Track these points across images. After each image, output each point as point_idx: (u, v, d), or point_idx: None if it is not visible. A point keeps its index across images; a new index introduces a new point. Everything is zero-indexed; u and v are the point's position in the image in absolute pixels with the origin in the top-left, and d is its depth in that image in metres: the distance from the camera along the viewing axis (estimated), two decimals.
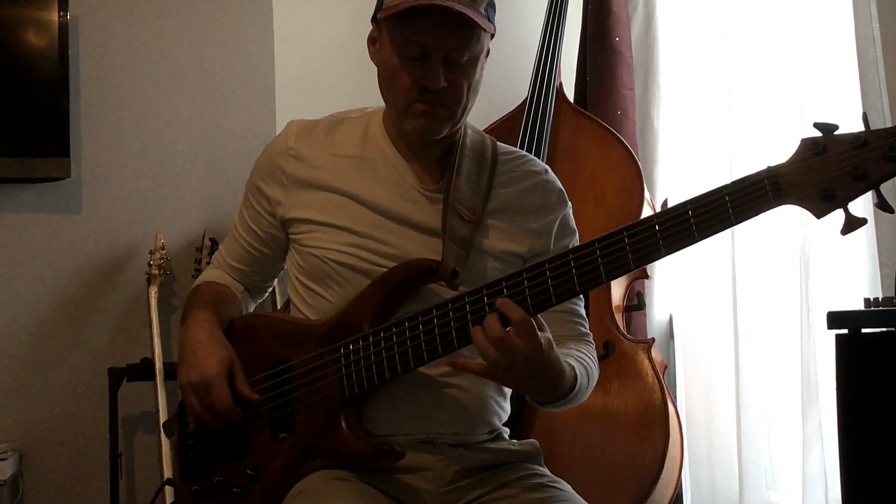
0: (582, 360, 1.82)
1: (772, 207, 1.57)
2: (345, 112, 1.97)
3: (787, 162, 1.56)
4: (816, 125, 1.56)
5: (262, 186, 1.92)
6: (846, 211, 1.55)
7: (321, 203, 1.86)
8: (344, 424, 1.76)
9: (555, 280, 1.65)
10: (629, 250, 1.62)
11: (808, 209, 1.56)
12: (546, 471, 1.90)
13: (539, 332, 1.62)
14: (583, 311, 1.94)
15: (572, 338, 1.90)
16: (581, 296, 1.92)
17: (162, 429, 2.82)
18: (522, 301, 1.66)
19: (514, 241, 1.86)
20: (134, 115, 3.41)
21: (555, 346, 1.67)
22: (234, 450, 1.85)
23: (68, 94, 3.26)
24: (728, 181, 1.61)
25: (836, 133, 1.55)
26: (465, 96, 1.79)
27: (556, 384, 1.70)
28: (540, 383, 1.69)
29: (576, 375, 1.74)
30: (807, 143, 1.56)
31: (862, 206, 1.61)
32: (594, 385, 1.87)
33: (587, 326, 1.94)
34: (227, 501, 1.85)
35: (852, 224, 1.54)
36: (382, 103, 1.87)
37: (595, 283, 1.65)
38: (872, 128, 1.54)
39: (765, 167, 1.57)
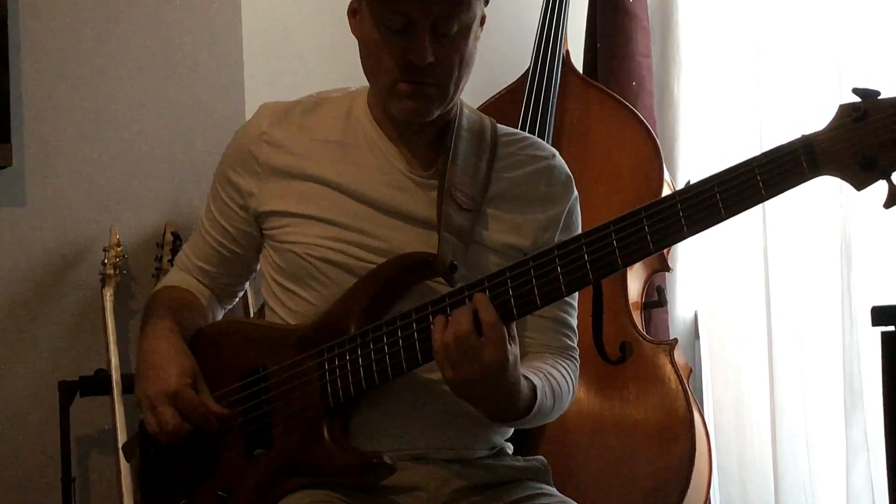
0: (552, 378, 1.85)
1: (807, 180, 1.62)
2: (324, 92, 1.99)
3: (823, 129, 1.62)
4: (856, 91, 1.61)
5: (233, 176, 1.95)
6: (889, 181, 1.59)
7: (299, 193, 1.88)
8: (327, 436, 1.78)
9: (565, 267, 1.69)
10: (648, 232, 1.66)
11: (847, 181, 1.61)
12: (554, 490, 1.93)
13: (508, 346, 1.66)
14: (573, 322, 1.97)
15: (554, 350, 1.93)
16: (575, 305, 1.97)
17: (121, 451, 2.85)
18: (529, 293, 1.69)
19: (517, 234, 1.89)
20: (84, 94, 3.41)
21: (519, 364, 1.70)
22: (203, 469, 1.88)
23: (8, 69, 3.26)
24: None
25: (877, 98, 1.60)
26: (456, 71, 1.81)
27: (509, 405, 1.74)
28: (493, 400, 1.72)
29: (534, 397, 1.77)
30: (845, 109, 1.61)
31: None
32: (565, 406, 1.91)
33: (575, 339, 1.97)
34: None
35: None
36: (366, 82, 1.89)
37: (609, 271, 1.69)
38: None
39: (799, 135, 1.62)
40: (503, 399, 1.72)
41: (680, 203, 1.65)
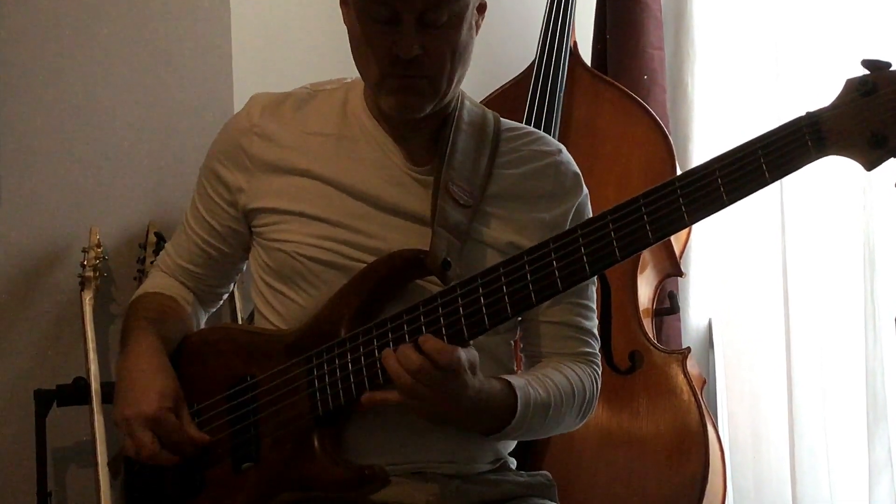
0: (547, 379, 1.85)
1: (813, 160, 1.62)
2: (319, 83, 1.99)
3: (829, 106, 1.61)
4: (865, 62, 1.60)
5: (221, 171, 1.95)
6: None
7: (291, 189, 1.88)
8: (318, 447, 1.79)
9: (561, 262, 1.70)
10: (647, 220, 1.66)
11: (855, 160, 1.61)
12: None
13: (461, 362, 1.67)
14: (589, 325, 1.97)
15: (569, 356, 1.93)
16: (592, 307, 1.97)
17: (103, 461, 2.85)
18: (524, 288, 1.70)
19: (520, 233, 1.88)
20: (64, 87, 3.40)
21: (477, 369, 1.71)
22: (190, 486, 1.88)
23: None
24: None
25: (888, 70, 1.59)
26: (448, 64, 1.80)
27: (485, 409, 1.75)
28: (466, 413, 1.73)
29: (514, 398, 1.77)
30: (852, 84, 1.60)
31: None
32: (576, 409, 1.90)
33: (595, 345, 1.97)
34: None
35: None
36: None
37: (607, 263, 1.70)
38: None
39: (804, 113, 1.61)
40: (473, 405, 1.72)
41: (680, 189, 1.65)
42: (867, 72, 1.59)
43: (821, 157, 1.61)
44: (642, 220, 1.66)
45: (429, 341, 1.68)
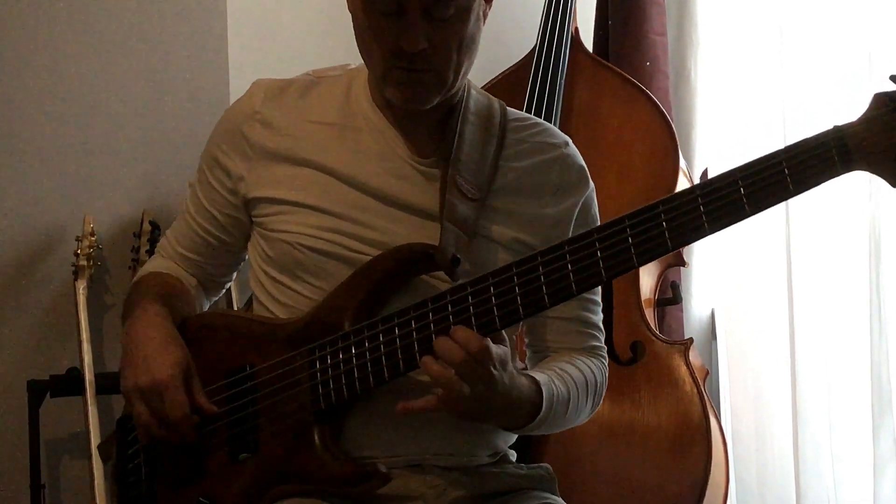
0: (564, 372, 1.86)
1: (838, 175, 1.63)
2: (322, 70, 1.98)
3: (857, 121, 1.62)
4: (893, 78, 1.61)
5: (222, 158, 1.95)
6: None
7: (293, 179, 1.88)
8: (318, 442, 1.79)
9: (576, 265, 1.69)
10: (666, 228, 1.66)
11: (881, 176, 1.62)
12: (560, 500, 1.94)
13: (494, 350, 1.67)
14: (596, 319, 1.98)
15: (579, 351, 1.94)
16: (598, 301, 1.97)
17: (97, 452, 2.85)
18: (537, 290, 1.69)
19: (526, 229, 1.89)
20: (56, 71, 3.40)
21: (510, 363, 1.71)
22: (185, 474, 1.88)
23: None
24: (781, 146, 1.65)
25: None
26: (454, 57, 1.79)
27: (514, 405, 1.75)
28: (497, 408, 1.73)
29: (539, 393, 1.77)
30: (881, 99, 1.61)
31: None
32: (589, 402, 1.91)
33: (601, 338, 1.98)
34: None
35: None
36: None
37: (624, 269, 1.70)
38: None
39: (831, 127, 1.62)
40: (504, 400, 1.72)
41: (700, 198, 1.65)
42: (895, 87, 1.60)
43: (847, 171, 1.62)
44: (661, 227, 1.66)
45: (459, 331, 1.67)
